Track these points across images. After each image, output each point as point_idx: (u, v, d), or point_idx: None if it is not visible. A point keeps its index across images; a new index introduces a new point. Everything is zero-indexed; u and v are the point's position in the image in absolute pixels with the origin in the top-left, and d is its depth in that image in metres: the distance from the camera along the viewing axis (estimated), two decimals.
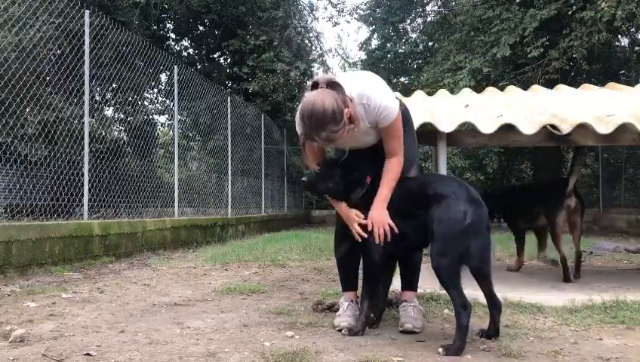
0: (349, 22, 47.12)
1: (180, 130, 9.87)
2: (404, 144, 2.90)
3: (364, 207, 2.73)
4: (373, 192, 2.73)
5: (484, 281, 2.61)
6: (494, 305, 2.63)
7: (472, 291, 2.63)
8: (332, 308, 3.21)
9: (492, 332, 2.62)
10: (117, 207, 7.61)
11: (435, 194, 2.54)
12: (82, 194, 6.31)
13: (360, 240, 2.74)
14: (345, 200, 2.81)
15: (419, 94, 4.73)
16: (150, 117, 11.81)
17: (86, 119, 6.40)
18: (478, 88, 7.46)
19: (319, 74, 2.91)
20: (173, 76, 8.84)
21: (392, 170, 2.74)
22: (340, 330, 2.78)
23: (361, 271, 2.90)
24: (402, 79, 20.51)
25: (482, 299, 2.73)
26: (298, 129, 2.64)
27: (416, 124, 3.31)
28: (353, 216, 2.76)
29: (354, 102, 2.59)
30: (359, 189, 2.77)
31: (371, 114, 2.66)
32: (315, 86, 2.55)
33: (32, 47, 6.93)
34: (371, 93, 2.65)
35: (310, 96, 2.50)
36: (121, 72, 7.91)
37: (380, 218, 2.67)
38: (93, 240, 6.01)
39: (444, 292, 2.62)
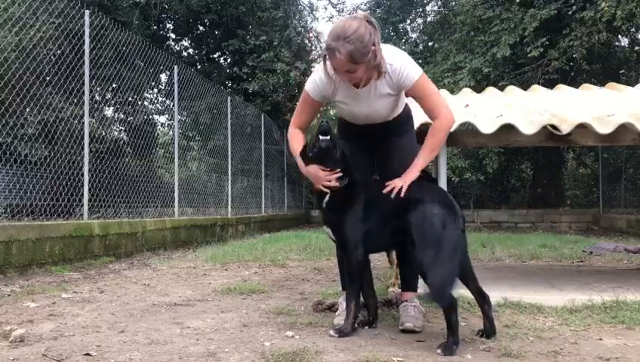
0: None
1: (180, 130, 9.87)
2: (404, 145, 2.91)
3: (338, 206, 2.75)
4: (348, 193, 2.73)
5: (469, 278, 2.66)
6: (484, 301, 2.66)
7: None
8: (332, 308, 3.21)
9: (489, 329, 2.62)
10: (117, 207, 7.62)
11: (412, 198, 2.59)
12: (82, 194, 6.30)
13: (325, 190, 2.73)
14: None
15: None
16: (150, 117, 11.82)
17: (86, 119, 6.40)
18: (478, 88, 7.46)
19: (361, 12, 2.94)
20: (173, 76, 8.84)
21: (437, 133, 2.72)
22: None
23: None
24: None
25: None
26: (325, 44, 2.59)
27: (416, 124, 3.31)
28: (322, 173, 2.71)
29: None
30: (344, 179, 2.76)
31: (393, 75, 2.67)
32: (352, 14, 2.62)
33: (32, 47, 6.93)
34: (393, 54, 2.69)
35: (345, 19, 2.57)
36: (121, 72, 7.92)
37: (403, 183, 2.63)
38: (93, 240, 6.01)
39: None
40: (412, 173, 2.68)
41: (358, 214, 2.70)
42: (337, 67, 2.58)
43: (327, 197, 2.79)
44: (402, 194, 2.60)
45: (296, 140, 2.92)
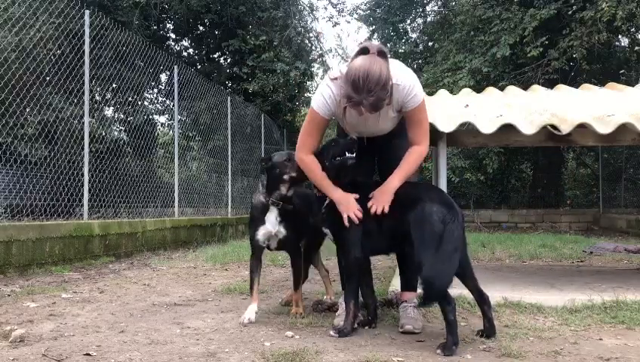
0: (349, 22, 47.11)
1: (180, 130, 9.87)
2: (404, 147, 2.91)
3: (331, 209, 2.77)
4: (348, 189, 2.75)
5: (468, 278, 2.67)
6: (483, 301, 2.66)
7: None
8: (332, 308, 3.22)
9: (489, 330, 2.62)
10: (117, 207, 7.61)
11: (411, 198, 2.60)
12: (82, 194, 6.31)
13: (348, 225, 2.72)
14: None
15: None
16: (150, 117, 11.81)
17: (86, 119, 6.40)
18: (478, 88, 7.45)
19: (371, 42, 2.88)
20: (173, 76, 8.84)
21: (411, 160, 2.73)
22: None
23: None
24: None
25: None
26: (345, 93, 2.50)
27: None
28: (353, 202, 2.70)
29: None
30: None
31: (400, 94, 2.64)
32: (365, 51, 2.51)
33: (32, 47, 6.93)
34: (403, 73, 2.66)
35: (364, 61, 2.46)
36: (121, 72, 7.91)
37: (387, 199, 2.64)
38: (93, 240, 6.01)
39: None
40: (388, 195, 2.66)
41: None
42: (360, 114, 2.56)
43: (327, 201, 2.80)
44: (384, 212, 2.62)
45: (314, 168, 2.80)
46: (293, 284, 3.30)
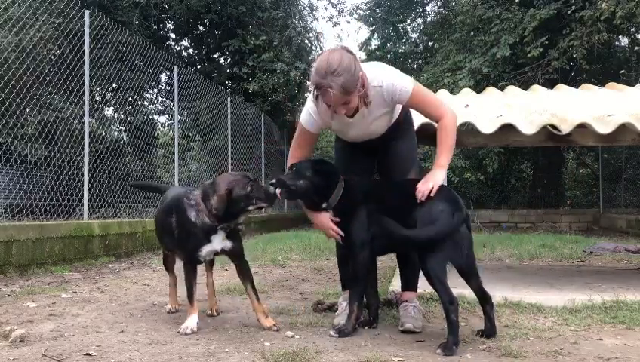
0: (349, 22, 47.20)
1: (180, 130, 9.88)
2: (403, 147, 2.91)
3: (341, 212, 2.74)
4: (349, 198, 2.73)
5: (472, 277, 2.65)
6: (486, 301, 2.65)
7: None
8: (332, 308, 3.21)
9: (489, 330, 2.62)
10: (117, 207, 7.61)
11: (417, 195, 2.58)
12: (82, 194, 6.31)
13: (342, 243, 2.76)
14: (319, 206, 2.77)
15: None
16: (150, 117, 11.81)
17: (86, 119, 6.40)
18: (478, 88, 7.46)
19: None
20: (173, 76, 8.84)
21: (450, 131, 2.69)
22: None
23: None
24: None
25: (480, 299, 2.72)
26: (313, 81, 2.52)
27: (416, 125, 3.32)
28: (329, 223, 2.73)
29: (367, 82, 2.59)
30: (336, 192, 2.74)
31: (387, 95, 2.65)
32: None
33: (32, 47, 6.93)
34: (380, 74, 2.67)
35: (325, 53, 2.57)
36: (121, 72, 7.92)
37: (433, 183, 2.57)
38: (93, 240, 6.01)
39: None
40: (439, 175, 2.61)
41: (366, 216, 2.69)
42: (332, 102, 2.53)
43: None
44: (432, 194, 2.55)
45: None
46: (253, 293, 2.88)
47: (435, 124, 2.77)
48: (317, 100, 2.63)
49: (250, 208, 2.77)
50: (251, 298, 2.87)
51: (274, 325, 2.77)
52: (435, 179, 2.59)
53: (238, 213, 2.77)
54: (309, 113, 2.82)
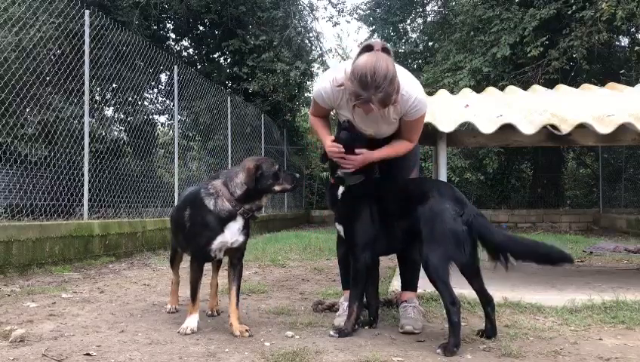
0: (349, 22, 47.17)
1: (180, 130, 9.86)
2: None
3: (343, 204, 2.79)
4: (351, 195, 2.76)
5: (475, 278, 2.64)
6: (487, 302, 2.65)
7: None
8: (332, 308, 3.22)
9: (490, 331, 2.62)
10: (117, 207, 7.61)
11: (420, 194, 2.59)
12: (82, 194, 6.30)
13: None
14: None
15: None
16: (150, 117, 11.81)
17: (86, 119, 6.39)
18: (478, 88, 7.45)
19: (375, 39, 2.90)
20: (173, 76, 8.84)
21: (398, 147, 2.81)
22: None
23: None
24: None
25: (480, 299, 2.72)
26: (353, 91, 2.49)
27: None
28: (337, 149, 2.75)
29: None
30: (359, 176, 2.77)
31: (405, 104, 2.66)
32: (369, 49, 2.51)
33: (32, 47, 6.93)
34: (410, 84, 2.67)
35: (370, 58, 2.46)
36: (121, 72, 7.91)
37: (363, 159, 2.71)
38: (93, 240, 6.01)
39: None
40: (373, 154, 2.74)
41: (370, 216, 2.69)
42: (368, 112, 2.58)
43: (341, 189, 2.80)
44: (351, 168, 2.70)
45: (318, 124, 2.97)
46: (235, 296, 2.82)
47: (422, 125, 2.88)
48: (344, 98, 2.68)
49: (276, 188, 2.78)
50: (231, 300, 2.82)
51: (246, 330, 2.70)
52: (369, 153, 2.72)
53: (262, 192, 2.76)
54: (320, 92, 2.82)
